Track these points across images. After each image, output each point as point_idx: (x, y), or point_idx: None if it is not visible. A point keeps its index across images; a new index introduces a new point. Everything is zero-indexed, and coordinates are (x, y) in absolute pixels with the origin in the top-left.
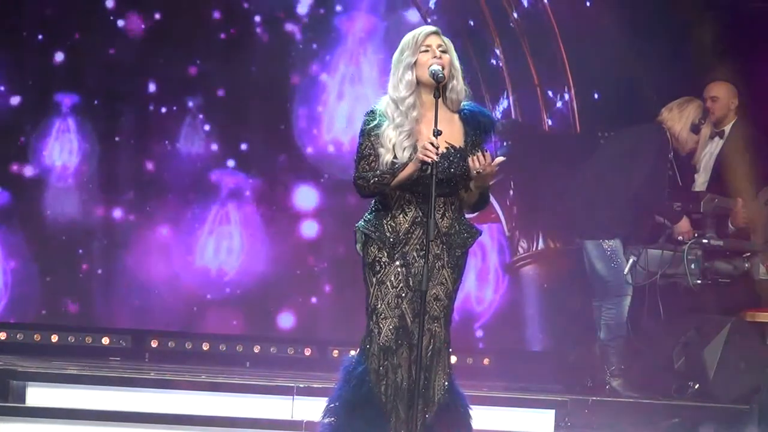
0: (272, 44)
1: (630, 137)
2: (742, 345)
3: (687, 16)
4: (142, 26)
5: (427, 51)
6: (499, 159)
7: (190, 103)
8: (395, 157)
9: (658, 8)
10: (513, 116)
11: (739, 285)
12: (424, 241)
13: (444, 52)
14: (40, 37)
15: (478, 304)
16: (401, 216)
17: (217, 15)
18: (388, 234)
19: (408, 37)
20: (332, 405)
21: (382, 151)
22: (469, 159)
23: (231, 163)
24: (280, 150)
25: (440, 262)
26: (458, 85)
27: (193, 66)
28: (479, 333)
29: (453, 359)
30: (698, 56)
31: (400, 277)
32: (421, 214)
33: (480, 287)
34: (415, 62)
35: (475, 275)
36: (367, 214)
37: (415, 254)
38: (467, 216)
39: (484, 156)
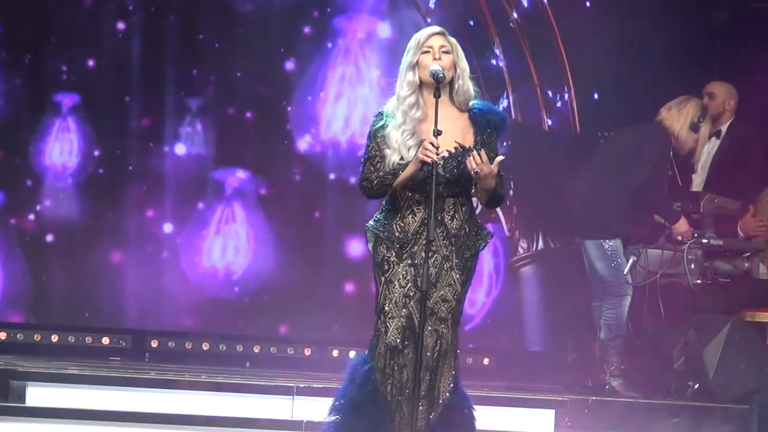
0: (272, 44)
1: (630, 137)
2: (741, 345)
3: (687, 16)
4: (146, 26)
5: (428, 52)
6: (499, 158)
7: (191, 103)
8: (402, 157)
9: (658, 8)
10: (513, 116)
11: (739, 285)
12: (435, 241)
13: (447, 53)
14: (40, 37)
15: (470, 307)
16: (410, 216)
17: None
18: (397, 234)
19: (413, 38)
20: (337, 403)
21: (388, 152)
22: (466, 160)
23: (232, 162)
24: (281, 149)
25: (448, 263)
26: (464, 85)
27: (194, 66)
28: (472, 335)
29: None
30: (698, 56)
31: (408, 277)
32: None
33: (472, 289)
34: (417, 62)
35: None
36: (377, 214)
37: (424, 254)
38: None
39: (479, 155)
